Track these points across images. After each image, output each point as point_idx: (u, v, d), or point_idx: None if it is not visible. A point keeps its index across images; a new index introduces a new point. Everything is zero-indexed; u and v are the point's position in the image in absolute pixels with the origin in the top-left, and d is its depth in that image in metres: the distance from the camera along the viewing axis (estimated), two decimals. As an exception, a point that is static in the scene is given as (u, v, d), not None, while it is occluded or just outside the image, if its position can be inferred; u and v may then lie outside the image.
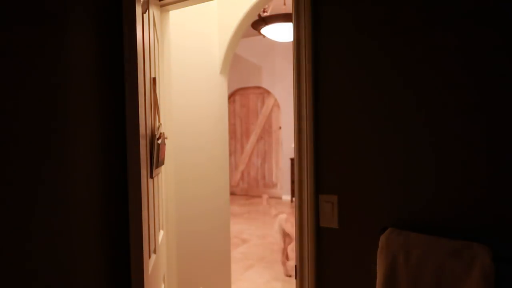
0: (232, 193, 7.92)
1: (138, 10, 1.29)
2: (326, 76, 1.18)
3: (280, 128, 7.42)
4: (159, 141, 1.56)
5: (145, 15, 1.42)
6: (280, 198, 7.42)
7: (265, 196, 6.16)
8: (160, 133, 1.62)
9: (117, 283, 1.33)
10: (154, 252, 1.57)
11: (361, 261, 1.14)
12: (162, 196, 1.95)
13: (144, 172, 1.33)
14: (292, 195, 7.17)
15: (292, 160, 7.15)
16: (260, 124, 7.63)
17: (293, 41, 1.24)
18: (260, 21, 3.22)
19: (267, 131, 7.60)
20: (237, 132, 7.94)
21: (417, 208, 1.05)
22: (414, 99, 1.04)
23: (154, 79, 1.62)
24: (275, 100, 7.41)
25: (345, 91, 1.15)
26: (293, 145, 7.12)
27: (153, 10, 1.67)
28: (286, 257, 3.57)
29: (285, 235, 3.52)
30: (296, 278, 1.26)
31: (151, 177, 1.49)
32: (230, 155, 7.95)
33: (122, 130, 1.34)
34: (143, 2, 1.37)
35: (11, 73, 0.96)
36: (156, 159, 1.53)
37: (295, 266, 1.27)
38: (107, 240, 1.28)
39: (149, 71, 1.52)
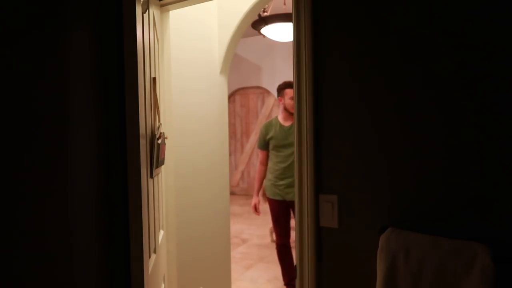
0: (232, 193, 7.91)
1: (138, 10, 1.29)
2: (326, 75, 1.18)
3: (280, 128, 7.41)
4: (159, 141, 1.57)
5: (145, 15, 1.42)
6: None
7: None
8: (160, 133, 1.62)
9: (117, 283, 1.33)
10: (154, 252, 1.57)
11: (361, 261, 1.14)
12: (162, 196, 1.95)
13: (144, 172, 1.34)
14: (292, 195, 7.15)
15: (292, 160, 7.12)
16: (260, 124, 7.63)
17: (293, 41, 1.24)
18: (260, 21, 3.22)
19: (267, 131, 7.58)
20: (237, 132, 7.94)
21: (417, 207, 1.05)
22: (417, 96, 1.04)
23: (154, 79, 1.62)
24: (275, 100, 7.40)
25: (346, 91, 1.15)
26: (293, 145, 7.09)
27: (153, 10, 1.67)
28: None
29: None
30: (296, 278, 1.26)
31: (151, 177, 1.50)
32: (230, 155, 7.94)
33: (122, 130, 1.34)
34: (143, 2, 1.37)
35: (11, 73, 0.96)
36: (156, 159, 1.53)
37: (295, 266, 1.27)
38: (107, 240, 1.28)
39: (149, 71, 1.52)
